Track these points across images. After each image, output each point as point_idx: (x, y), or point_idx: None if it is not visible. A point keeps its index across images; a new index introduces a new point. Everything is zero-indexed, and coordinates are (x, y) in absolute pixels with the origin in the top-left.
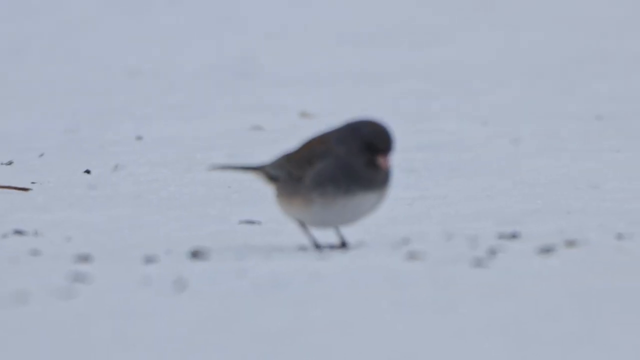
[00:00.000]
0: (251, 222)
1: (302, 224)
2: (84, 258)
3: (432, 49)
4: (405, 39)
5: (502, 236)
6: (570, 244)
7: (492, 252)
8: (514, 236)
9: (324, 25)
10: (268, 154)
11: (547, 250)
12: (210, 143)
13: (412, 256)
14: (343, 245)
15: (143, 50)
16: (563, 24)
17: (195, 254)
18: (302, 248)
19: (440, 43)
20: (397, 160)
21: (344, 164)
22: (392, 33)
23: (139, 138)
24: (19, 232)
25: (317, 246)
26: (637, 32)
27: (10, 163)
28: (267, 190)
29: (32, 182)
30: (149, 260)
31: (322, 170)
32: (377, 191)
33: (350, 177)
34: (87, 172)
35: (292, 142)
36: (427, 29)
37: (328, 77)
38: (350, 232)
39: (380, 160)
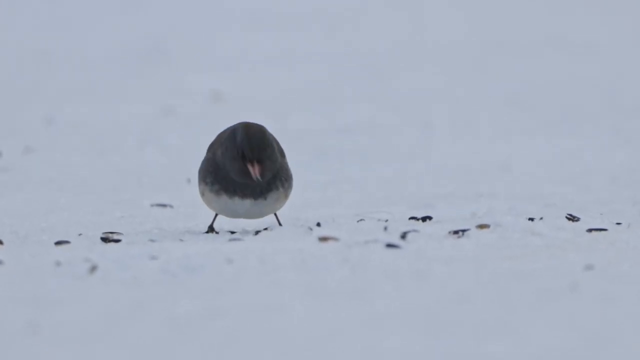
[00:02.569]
0: (163, 206)
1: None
2: None
3: (344, 33)
4: (317, 23)
5: (414, 219)
6: (482, 227)
7: (404, 235)
8: (426, 219)
9: (235, 9)
10: (180, 137)
11: (459, 233)
12: (122, 126)
13: (324, 240)
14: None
15: (53, 32)
16: (476, 9)
17: (107, 238)
18: (215, 232)
19: (352, 27)
20: (309, 145)
21: (215, 165)
22: (305, 16)
23: (50, 121)
24: None
25: (210, 229)
26: (550, 19)
27: None
28: (180, 174)
29: None
30: (60, 244)
31: (201, 164)
32: (248, 198)
33: (217, 179)
34: None
35: (204, 125)
36: (340, 13)
37: (239, 60)
38: None
39: (250, 168)
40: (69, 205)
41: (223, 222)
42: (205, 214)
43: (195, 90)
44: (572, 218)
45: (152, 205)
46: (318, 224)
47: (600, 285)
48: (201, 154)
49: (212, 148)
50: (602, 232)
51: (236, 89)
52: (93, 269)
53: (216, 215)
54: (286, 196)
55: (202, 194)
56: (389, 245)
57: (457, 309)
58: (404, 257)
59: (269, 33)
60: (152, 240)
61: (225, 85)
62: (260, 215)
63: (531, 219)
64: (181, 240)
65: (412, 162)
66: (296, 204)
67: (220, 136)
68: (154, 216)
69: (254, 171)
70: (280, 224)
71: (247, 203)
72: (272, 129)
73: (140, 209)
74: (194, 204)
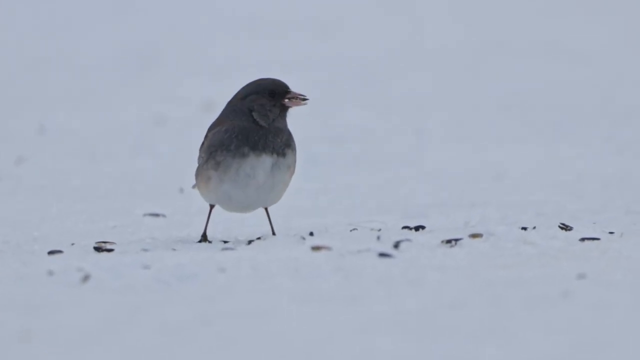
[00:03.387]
0: (156, 215)
1: (211, 209)
2: None
3: (336, 40)
4: (310, 29)
5: (407, 229)
6: (475, 236)
7: (397, 244)
8: (419, 229)
9: (228, 16)
10: (172, 144)
11: (452, 242)
12: (114, 134)
13: (317, 249)
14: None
15: (45, 40)
16: (470, 15)
17: (100, 247)
18: (208, 241)
19: (345, 33)
20: (301, 152)
21: (233, 127)
22: (297, 23)
23: (42, 129)
24: None
25: (203, 237)
26: (543, 25)
27: None
28: (172, 183)
29: None
30: (53, 253)
31: (211, 139)
32: (272, 155)
33: (239, 139)
34: None
35: (195, 133)
36: (332, 18)
37: (232, 67)
38: (255, 224)
39: (292, 96)
40: (61, 214)
41: (216, 232)
42: (198, 222)
43: (188, 98)
44: (565, 227)
45: (144, 215)
46: (311, 234)
47: (593, 293)
48: (194, 162)
49: (215, 126)
50: (595, 241)
51: (228, 96)
52: (86, 278)
53: (208, 221)
54: (294, 160)
55: (210, 176)
56: (382, 255)
57: (451, 315)
58: (397, 266)
59: (262, 40)
60: (145, 250)
61: (219, 92)
62: (272, 186)
63: (524, 228)
64: (174, 249)
65: (405, 170)
66: (288, 212)
67: (218, 119)
68: (147, 225)
69: (295, 95)
70: (274, 233)
71: (269, 162)
72: None
73: (133, 218)
74: (186, 213)
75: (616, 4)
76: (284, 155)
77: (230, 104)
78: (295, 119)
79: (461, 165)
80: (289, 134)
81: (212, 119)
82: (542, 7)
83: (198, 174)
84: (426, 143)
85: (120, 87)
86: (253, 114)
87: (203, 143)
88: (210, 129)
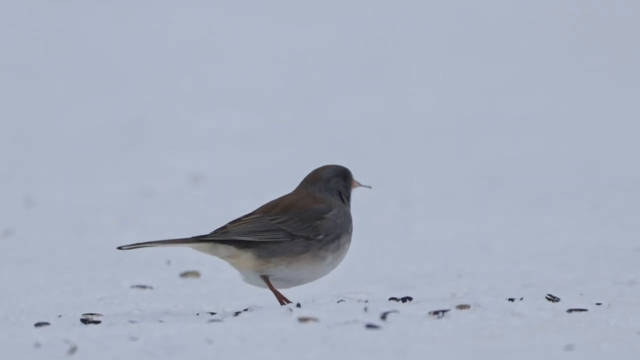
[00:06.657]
0: (143, 287)
1: (266, 282)
2: None
3: (318, 110)
4: (292, 101)
5: (394, 300)
6: (462, 307)
7: (385, 316)
8: (406, 300)
9: (211, 89)
10: (159, 217)
11: (439, 313)
12: (101, 207)
13: (305, 320)
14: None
15: (31, 113)
16: (452, 87)
17: (87, 319)
18: (195, 312)
19: (326, 104)
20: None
21: (344, 211)
22: (278, 94)
23: (29, 201)
24: None
25: (286, 302)
26: (527, 96)
27: None
28: (159, 255)
29: None
30: (40, 325)
31: (336, 220)
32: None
33: (351, 221)
34: None
35: (182, 205)
36: (312, 90)
37: (216, 139)
38: (243, 296)
39: (356, 181)
40: (48, 286)
41: (203, 303)
42: (184, 294)
43: (174, 170)
44: (552, 298)
45: (131, 287)
46: (298, 305)
47: None
48: (180, 233)
49: (321, 205)
50: (582, 312)
51: (214, 168)
52: (73, 350)
53: (274, 289)
54: None
55: (325, 257)
56: (369, 326)
57: None
58: (384, 337)
59: (246, 112)
60: (132, 321)
61: (204, 164)
62: None
63: (511, 299)
64: (161, 321)
65: (391, 240)
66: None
67: (318, 197)
68: (134, 297)
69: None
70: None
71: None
72: (251, 207)
73: (120, 290)
74: (173, 285)
75: (600, 75)
76: None
77: (312, 183)
78: (284, 191)
79: (447, 236)
80: None
81: (199, 191)
82: (526, 79)
83: (307, 251)
84: (412, 214)
85: (106, 160)
86: (342, 195)
87: (307, 221)
88: (311, 209)
